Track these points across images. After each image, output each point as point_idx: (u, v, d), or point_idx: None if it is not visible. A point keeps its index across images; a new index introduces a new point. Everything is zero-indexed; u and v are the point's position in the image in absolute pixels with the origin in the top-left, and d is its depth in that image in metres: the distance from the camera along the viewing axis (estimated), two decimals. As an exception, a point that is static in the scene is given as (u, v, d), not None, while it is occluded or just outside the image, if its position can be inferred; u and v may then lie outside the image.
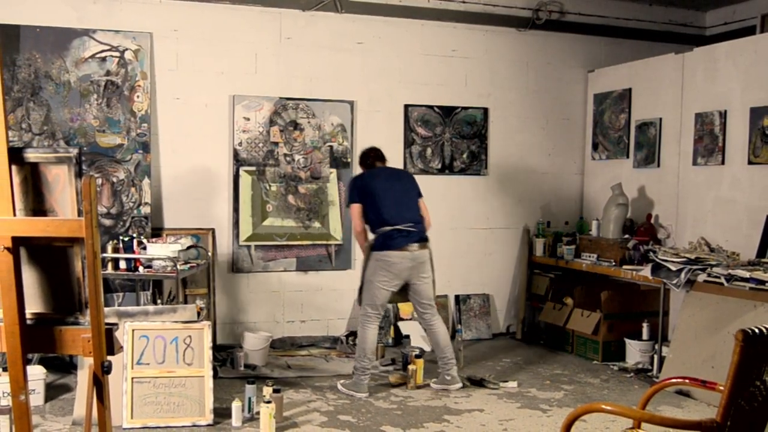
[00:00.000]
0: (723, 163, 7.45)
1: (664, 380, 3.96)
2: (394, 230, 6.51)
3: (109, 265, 6.61)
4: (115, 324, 3.34)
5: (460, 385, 6.54)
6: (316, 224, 8.13)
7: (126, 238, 6.73)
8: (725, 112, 7.43)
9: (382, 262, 6.51)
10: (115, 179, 7.40)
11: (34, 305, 3.31)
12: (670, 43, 9.21)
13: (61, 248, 3.26)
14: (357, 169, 8.20)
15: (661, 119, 8.17)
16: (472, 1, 8.55)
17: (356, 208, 6.63)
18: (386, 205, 6.57)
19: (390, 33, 8.36)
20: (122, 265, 6.62)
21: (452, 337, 7.92)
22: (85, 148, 7.26)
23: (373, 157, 6.92)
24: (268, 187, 7.95)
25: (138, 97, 7.46)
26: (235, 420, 5.57)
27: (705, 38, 9.43)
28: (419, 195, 6.79)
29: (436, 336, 6.70)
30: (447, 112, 8.61)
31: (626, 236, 8.05)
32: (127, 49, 7.42)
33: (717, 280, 6.56)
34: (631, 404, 6.07)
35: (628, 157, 8.62)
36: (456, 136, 8.66)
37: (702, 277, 6.70)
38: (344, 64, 8.22)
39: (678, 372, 6.50)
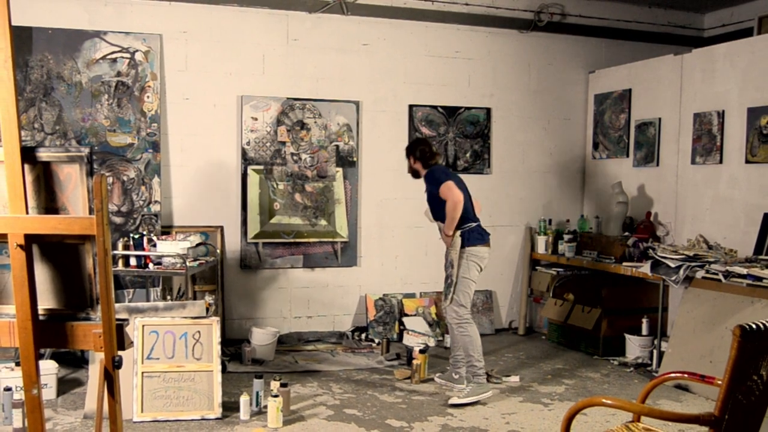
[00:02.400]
0: (721, 162, 7.44)
1: (663, 375, 3.96)
2: (477, 226, 6.48)
3: (120, 262, 6.62)
4: (126, 320, 3.34)
5: (464, 386, 6.34)
6: (323, 222, 8.13)
7: (136, 236, 6.73)
8: (723, 112, 7.42)
9: (477, 258, 6.37)
10: (125, 178, 7.41)
11: (46, 301, 3.31)
12: (669, 44, 9.21)
13: (72, 245, 3.26)
14: (362, 168, 8.23)
15: (660, 119, 8.16)
16: (475, 4, 8.54)
17: (453, 184, 6.32)
18: (466, 201, 6.45)
19: (395, 35, 8.36)
20: (133, 262, 6.63)
21: (455, 333, 7.94)
22: (96, 148, 7.27)
23: (431, 154, 6.67)
24: (275, 186, 7.95)
25: (148, 97, 7.47)
26: (243, 413, 5.57)
27: (703, 40, 9.42)
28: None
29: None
30: (451, 112, 8.61)
31: (626, 234, 8.05)
32: (137, 51, 7.42)
33: (715, 276, 6.55)
34: (630, 398, 6.05)
35: (627, 156, 8.61)
36: (459, 136, 8.65)
37: (700, 273, 6.69)
38: (350, 65, 8.21)
39: (677, 367, 6.49)
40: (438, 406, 6.02)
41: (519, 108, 8.93)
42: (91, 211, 3.16)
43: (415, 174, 6.75)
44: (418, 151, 6.66)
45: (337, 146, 8.16)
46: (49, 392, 5.85)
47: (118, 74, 7.37)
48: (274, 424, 5.40)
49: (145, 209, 7.48)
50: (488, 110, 8.78)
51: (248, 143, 7.84)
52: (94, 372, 5.62)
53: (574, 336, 8.04)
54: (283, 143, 7.96)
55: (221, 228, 7.83)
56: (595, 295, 7.87)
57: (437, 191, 6.39)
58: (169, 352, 5.63)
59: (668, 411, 3.29)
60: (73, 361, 6.85)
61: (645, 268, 7.19)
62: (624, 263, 7.60)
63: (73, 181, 3.22)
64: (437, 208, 6.49)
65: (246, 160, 7.85)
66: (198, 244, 7.23)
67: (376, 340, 7.96)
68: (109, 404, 3.28)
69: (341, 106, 8.17)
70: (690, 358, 6.57)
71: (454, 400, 6.07)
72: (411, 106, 8.47)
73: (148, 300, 7.10)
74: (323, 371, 6.97)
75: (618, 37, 9.26)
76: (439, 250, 8.64)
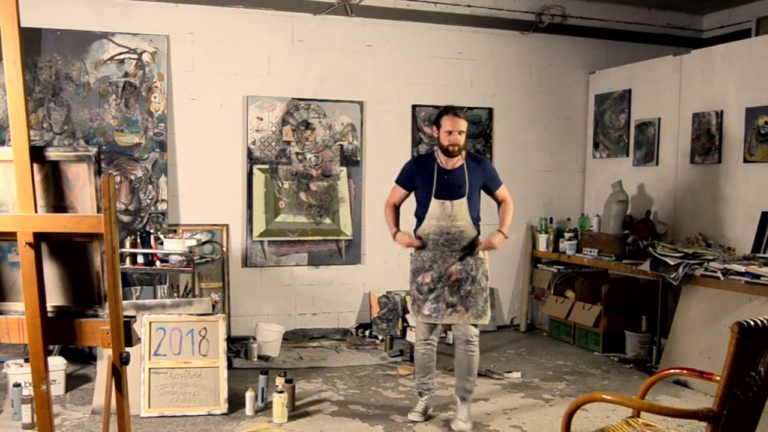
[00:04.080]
0: (719, 161, 7.43)
1: (662, 371, 3.95)
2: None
3: (128, 260, 6.63)
4: (133, 316, 3.34)
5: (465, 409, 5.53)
6: (327, 220, 8.13)
7: (143, 234, 6.74)
8: (721, 112, 7.41)
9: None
10: (133, 177, 7.41)
11: (55, 298, 3.31)
12: (669, 45, 9.19)
13: (81, 243, 3.26)
14: (366, 167, 8.23)
15: (659, 119, 8.15)
16: (478, 5, 8.53)
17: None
18: None
19: (398, 36, 8.35)
20: (140, 259, 6.64)
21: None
22: (104, 147, 7.27)
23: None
24: (280, 185, 7.95)
25: (155, 97, 7.47)
26: (249, 409, 5.57)
27: (702, 41, 9.41)
28: None
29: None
30: (453, 112, 8.60)
31: (626, 232, 8.03)
32: (144, 52, 7.42)
33: (713, 274, 6.54)
34: (630, 394, 6.05)
35: (627, 155, 8.60)
36: (462, 136, 8.64)
37: (699, 271, 6.68)
38: (354, 66, 8.21)
39: (676, 363, 6.49)
40: (441, 401, 6.01)
41: (520, 108, 8.92)
42: (98, 210, 3.16)
43: (452, 152, 5.49)
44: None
45: (342, 146, 8.15)
46: (57, 388, 5.86)
47: (126, 75, 7.38)
48: (279, 419, 5.40)
49: (152, 208, 7.48)
50: (490, 110, 8.78)
51: (254, 143, 7.84)
52: (101, 368, 5.62)
53: (575, 333, 8.04)
54: (288, 143, 7.96)
55: (227, 226, 7.83)
56: (596, 292, 7.87)
57: (495, 188, 5.71)
58: (175, 348, 5.64)
59: (667, 406, 3.28)
60: (81, 357, 6.85)
61: (645, 266, 7.17)
62: (624, 261, 7.59)
63: (81, 180, 3.22)
64: (475, 205, 5.59)
65: (251, 159, 7.85)
66: (204, 242, 7.24)
67: (380, 337, 7.96)
68: (116, 400, 3.28)
69: (345, 106, 8.17)
70: (689, 355, 6.56)
71: (461, 426, 5.38)
72: (414, 106, 8.46)
73: (155, 297, 7.10)
74: (328, 367, 6.97)
75: (618, 38, 9.25)
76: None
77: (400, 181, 5.78)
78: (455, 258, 5.51)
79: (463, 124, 5.43)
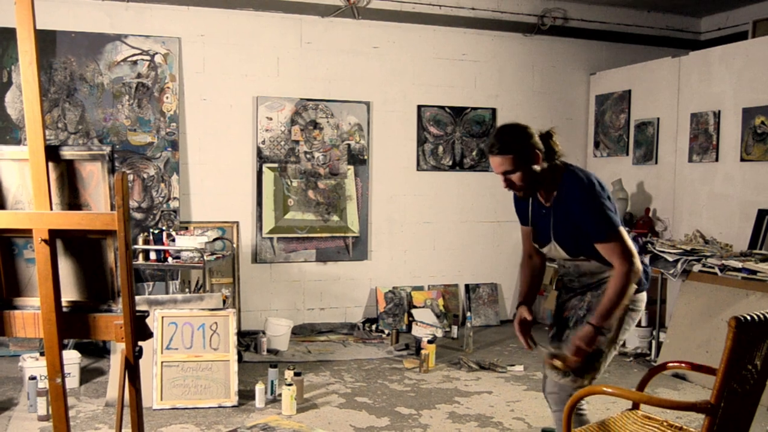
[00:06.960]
0: (717, 160, 7.41)
1: (661, 364, 3.94)
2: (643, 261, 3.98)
3: (140, 256, 6.64)
4: (146, 311, 3.34)
5: None
6: (335, 218, 8.13)
7: (156, 231, 6.74)
8: (719, 112, 7.39)
9: (636, 312, 3.89)
10: (145, 175, 7.42)
11: (69, 293, 3.32)
12: (667, 47, 9.16)
13: (95, 240, 3.26)
14: (373, 166, 8.22)
15: (658, 119, 8.13)
16: (482, 8, 8.52)
17: (624, 232, 3.94)
18: None
19: (404, 38, 8.34)
20: (152, 256, 6.64)
21: (462, 324, 7.93)
22: (117, 146, 7.28)
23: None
24: (289, 183, 7.95)
25: (167, 98, 7.47)
26: (259, 402, 5.57)
27: (700, 43, 9.39)
28: None
29: None
30: (457, 112, 8.59)
31: (626, 229, 8.01)
32: (157, 53, 7.42)
33: (711, 270, 6.53)
34: (630, 387, 6.04)
35: (627, 154, 8.58)
36: (466, 135, 8.63)
37: (697, 267, 6.67)
38: (361, 67, 8.20)
39: (674, 356, 6.47)
40: (445, 395, 6.01)
41: (523, 108, 8.89)
42: (112, 208, 3.16)
43: (519, 195, 4.00)
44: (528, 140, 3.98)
45: (349, 145, 8.15)
46: (72, 381, 5.86)
47: (139, 76, 7.38)
48: (288, 411, 5.40)
49: (165, 205, 7.48)
50: (494, 110, 8.76)
51: (263, 142, 7.84)
52: (115, 361, 5.63)
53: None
54: (297, 142, 7.96)
55: (237, 223, 7.83)
56: (596, 288, 7.86)
57: (592, 239, 3.99)
58: (187, 342, 5.64)
59: (666, 399, 3.27)
60: (95, 351, 6.86)
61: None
62: (624, 257, 7.56)
63: (95, 179, 3.22)
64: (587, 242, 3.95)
65: (261, 158, 7.85)
66: (215, 239, 7.24)
67: (386, 331, 7.95)
68: (129, 392, 3.28)
69: (352, 106, 8.16)
70: (687, 349, 6.55)
71: None
72: (419, 107, 8.45)
73: (167, 292, 7.11)
74: (335, 361, 6.96)
75: (618, 40, 9.22)
76: (445, 245, 8.66)
77: (517, 214, 4.17)
78: (575, 288, 4.15)
79: (501, 163, 3.78)
